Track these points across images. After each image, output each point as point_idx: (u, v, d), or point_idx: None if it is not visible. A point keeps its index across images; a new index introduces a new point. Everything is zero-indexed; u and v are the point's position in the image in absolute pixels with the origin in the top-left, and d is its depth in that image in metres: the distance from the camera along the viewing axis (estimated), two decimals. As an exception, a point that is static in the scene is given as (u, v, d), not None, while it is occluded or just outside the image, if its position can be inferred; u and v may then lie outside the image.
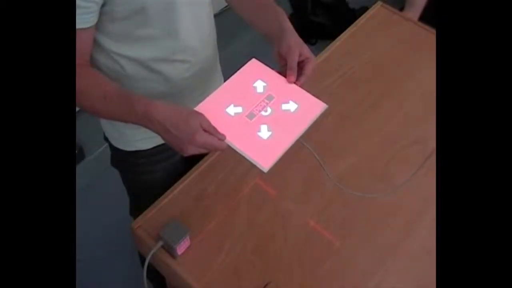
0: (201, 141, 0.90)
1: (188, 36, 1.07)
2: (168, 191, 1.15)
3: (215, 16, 1.20)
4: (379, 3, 1.56)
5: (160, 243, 1.03)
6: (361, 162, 1.21)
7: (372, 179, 1.18)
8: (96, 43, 1.02)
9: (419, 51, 1.43)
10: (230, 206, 1.13)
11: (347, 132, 1.27)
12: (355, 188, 1.15)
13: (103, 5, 0.94)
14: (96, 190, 2.01)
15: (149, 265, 1.04)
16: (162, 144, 1.22)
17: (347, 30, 1.49)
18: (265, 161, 0.93)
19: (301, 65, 1.01)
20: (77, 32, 0.92)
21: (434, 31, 1.46)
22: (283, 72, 1.02)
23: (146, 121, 0.93)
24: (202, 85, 1.20)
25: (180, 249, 1.03)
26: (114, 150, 1.29)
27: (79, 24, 0.92)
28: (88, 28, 0.94)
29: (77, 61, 0.94)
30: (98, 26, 0.97)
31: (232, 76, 1.03)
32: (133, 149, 1.24)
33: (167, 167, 1.28)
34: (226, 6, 1.21)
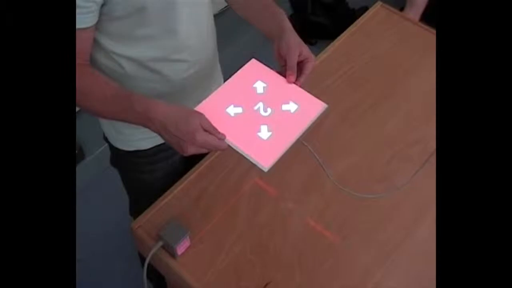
0: (201, 141, 0.90)
1: (188, 36, 1.07)
2: (168, 191, 1.15)
3: (215, 16, 1.20)
4: (379, 3, 1.56)
5: (160, 243, 1.03)
6: (361, 162, 1.21)
7: (372, 179, 1.18)
8: (95, 43, 1.02)
9: (419, 51, 1.43)
10: (230, 206, 1.13)
11: (347, 132, 1.27)
12: (355, 188, 1.15)
13: (103, 5, 0.94)
14: (96, 190, 2.00)
15: (149, 265, 1.04)
16: (162, 144, 1.22)
17: (347, 30, 1.49)
18: (265, 161, 0.93)
19: (300, 65, 1.01)
20: (77, 32, 0.92)
21: (434, 31, 1.46)
22: (282, 72, 1.02)
23: (146, 121, 0.93)
24: (202, 85, 1.20)
25: (180, 249, 1.03)
26: (114, 150, 1.29)
27: (79, 24, 0.92)
28: (88, 28, 0.94)
29: (77, 61, 0.94)
30: (97, 26, 0.98)
31: (232, 77, 1.03)
32: (133, 148, 1.24)
33: (166, 167, 1.28)
34: (226, 6, 1.21)
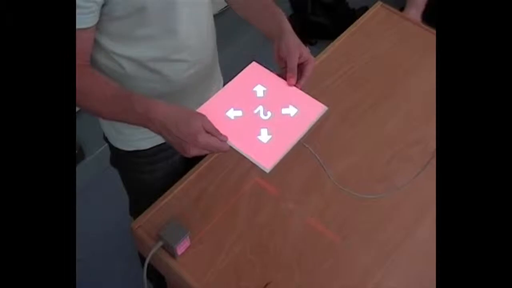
0: (203, 142, 0.90)
1: (188, 36, 1.07)
2: (168, 191, 1.15)
3: (215, 16, 1.20)
4: (379, 3, 1.56)
5: (160, 243, 1.03)
6: (361, 162, 1.21)
7: (372, 179, 1.18)
8: (96, 43, 1.02)
9: (419, 51, 1.43)
10: (230, 206, 1.13)
11: (347, 132, 1.27)
12: (355, 189, 1.15)
13: (103, 5, 0.94)
14: (96, 190, 2.00)
15: (149, 265, 1.04)
16: (162, 144, 1.22)
17: (347, 30, 1.49)
18: (266, 162, 0.93)
19: (300, 67, 1.01)
20: (78, 33, 0.92)
21: (434, 31, 1.46)
22: (283, 75, 1.02)
23: (147, 121, 0.92)
24: (202, 85, 1.20)
25: (180, 249, 1.03)
26: (114, 150, 1.29)
27: (80, 24, 0.92)
28: (88, 28, 0.94)
29: (78, 62, 0.94)
30: (98, 26, 0.97)
31: (233, 80, 1.03)
32: (133, 148, 1.24)
33: (166, 166, 1.28)
34: (225, 7, 1.21)
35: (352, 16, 2.53)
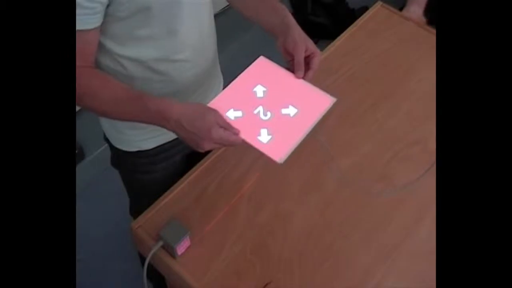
0: (217, 137, 0.91)
1: (189, 35, 1.07)
2: (168, 191, 1.15)
3: (215, 16, 1.20)
4: (379, 3, 1.56)
5: (160, 243, 1.03)
6: (361, 162, 1.21)
7: (372, 179, 1.18)
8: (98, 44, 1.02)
9: (419, 51, 1.43)
10: (230, 206, 1.13)
11: (347, 132, 1.27)
12: (355, 188, 1.15)
13: (108, 5, 0.93)
14: (96, 190, 2.01)
15: (149, 265, 1.04)
16: (163, 144, 1.22)
17: (347, 30, 1.49)
18: (277, 154, 0.94)
19: (307, 60, 1.03)
20: (83, 34, 0.92)
21: (434, 31, 1.46)
22: (290, 68, 1.04)
23: (161, 120, 0.94)
24: (204, 84, 1.20)
25: (180, 249, 1.03)
26: (115, 151, 1.29)
27: (85, 25, 0.92)
28: (93, 29, 0.94)
29: (84, 63, 0.95)
30: (100, 28, 0.97)
31: (240, 75, 1.04)
32: (135, 149, 1.24)
33: (167, 167, 1.28)
34: (225, 6, 1.21)
35: (352, 16, 2.53)
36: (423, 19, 1.60)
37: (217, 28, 1.21)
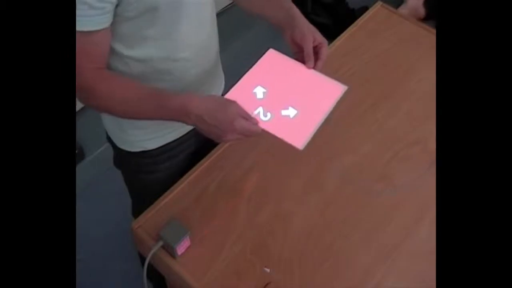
0: (239, 128, 0.93)
1: (190, 35, 1.07)
2: (168, 191, 1.15)
3: (217, 15, 1.20)
4: (379, 3, 1.56)
5: (160, 243, 1.03)
6: (361, 162, 1.21)
7: (372, 179, 1.18)
8: None
9: (419, 51, 1.43)
10: (230, 206, 1.13)
11: (347, 131, 1.27)
12: (355, 188, 1.15)
13: (117, 5, 0.93)
14: (96, 190, 2.00)
15: (149, 265, 1.04)
16: (167, 144, 1.22)
17: (347, 30, 1.49)
18: (297, 141, 0.96)
19: (315, 50, 1.05)
20: (93, 34, 0.91)
21: (434, 31, 1.46)
22: (298, 59, 1.06)
23: (182, 115, 0.95)
24: (206, 83, 1.20)
25: (180, 249, 1.03)
26: (118, 151, 1.28)
27: (95, 26, 0.91)
28: (104, 29, 0.94)
29: (98, 65, 0.96)
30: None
31: (252, 68, 1.06)
32: (138, 149, 1.23)
33: (170, 166, 1.27)
34: (226, 6, 1.21)
35: (352, 16, 2.53)
36: (422, 11, 1.60)
37: (219, 27, 1.20)
